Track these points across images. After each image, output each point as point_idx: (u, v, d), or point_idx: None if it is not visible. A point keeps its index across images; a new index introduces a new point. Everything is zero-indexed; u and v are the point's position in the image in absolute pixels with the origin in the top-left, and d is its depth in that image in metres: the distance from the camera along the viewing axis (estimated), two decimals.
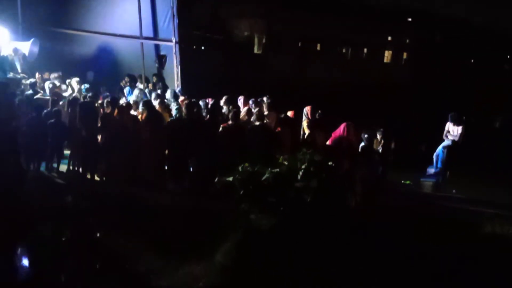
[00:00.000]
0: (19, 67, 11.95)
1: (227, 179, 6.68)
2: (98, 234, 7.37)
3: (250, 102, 10.62)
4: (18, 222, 7.29)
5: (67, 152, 10.00)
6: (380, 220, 7.36)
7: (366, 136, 9.54)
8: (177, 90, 11.18)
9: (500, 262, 6.34)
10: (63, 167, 9.84)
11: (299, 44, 44.59)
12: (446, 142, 11.48)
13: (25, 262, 6.71)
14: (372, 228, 6.83)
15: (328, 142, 9.20)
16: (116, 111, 9.42)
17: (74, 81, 11.16)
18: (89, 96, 10.04)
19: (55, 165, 9.82)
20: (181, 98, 10.70)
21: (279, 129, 9.60)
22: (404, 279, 5.92)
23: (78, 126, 9.34)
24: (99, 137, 9.49)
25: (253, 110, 10.21)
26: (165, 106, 9.95)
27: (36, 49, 12.26)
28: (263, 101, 10.47)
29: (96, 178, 9.55)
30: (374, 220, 7.21)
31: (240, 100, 10.82)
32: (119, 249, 6.75)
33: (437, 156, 11.58)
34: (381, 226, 7.07)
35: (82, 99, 10.05)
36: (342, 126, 9.15)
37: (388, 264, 6.13)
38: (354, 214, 6.83)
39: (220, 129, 9.12)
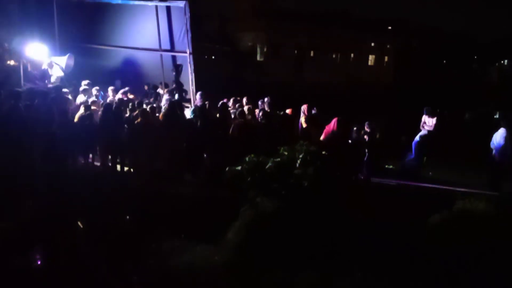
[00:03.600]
0: (53, 78, 11.99)
1: (236, 168, 6.68)
2: (127, 219, 7.40)
3: (259, 102, 10.63)
4: (58, 210, 7.34)
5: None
6: (368, 200, 7.35)
7: (355, 128, 9.55)
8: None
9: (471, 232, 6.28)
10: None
11: (295, 52, 44.38)
12: (423, 132, 11.45)
13: (66, 246, 6.74)
14: (362, 209, 6.82)
15: (322, 136, 9.17)
16: (141, 113, 9.40)
17: (110, 89, 11.29)
18: (116, 102, 10.03)
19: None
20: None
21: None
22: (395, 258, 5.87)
23: (109, 127, 9.34)
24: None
25: (258, 108, 10.22)
26: (180, 108, 9.91)
27: (71, 63, 12.28)
28: (265, 101, 10.46)
29: (125, 169, 9.59)
30: (363, 200, 7.20)
31: (245, 100, 10.83)
32: (146, 232, 6.78)
33: (415, 144, 11.55)
34: (369, 206, 7.06)
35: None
36: (334, 120, 9.13)
37: (377, 241, 6.09)
38: (345, 196, 6.79)
39: (232, 126, 9.11)
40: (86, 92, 10.80)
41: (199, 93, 10.93)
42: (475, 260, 5.60)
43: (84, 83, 11.19)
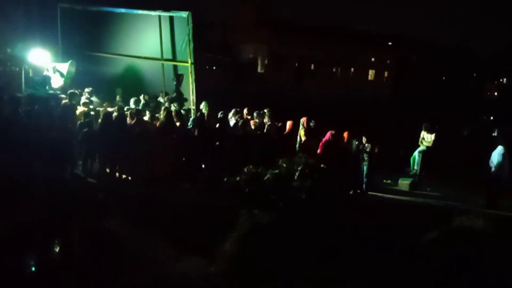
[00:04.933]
0: (55, 84, 12.00)
1: (235, 179, 6.67)
2: (124, 226, 7.32)
3: (255, 114, 10.62)
4: (56, 216, 7.29)
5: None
6: (366, 214, 7.32)
7: (355, 142, 9.56)
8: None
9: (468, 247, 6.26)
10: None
11: (296, 64, 44.62)
12: (421, 148, 11.46)
13: (62, 249, 6.69)
14: (358, 221, 6.78)
15: (319, 149, 9.18)
16: (137, 122, 9.40)
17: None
18: (117, 110, 10.02)
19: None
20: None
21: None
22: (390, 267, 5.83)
23: (108, 135, 9.31)
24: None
25: (256, 120, 10.22)
26: (180, 116, 9.87)
27: (73, 69, 12.30)
28: (265, 112, 10.46)
29: (123, 176, 9.55)
30: (361, 213, 7.17)
31: (245, 111, 10.84)
32: (142, 240, 6.74)
33: (414, 159, 11.55)
34: (366, 219, 7.02)
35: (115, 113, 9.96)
36: (328, 134, 9.17)
37: (373, 254, 6.05)
38: (343, 209, 6.76)
39: (233, 137, 9.09)
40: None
41: (204, 102, 10.92)
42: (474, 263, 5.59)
43: (87, 90, 11.20)
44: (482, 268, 5.54)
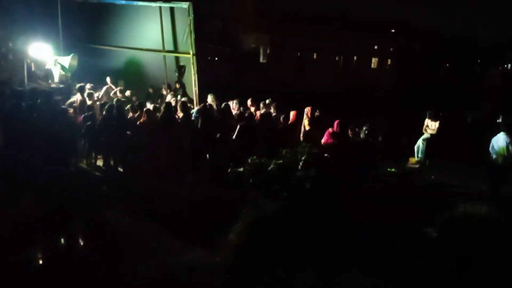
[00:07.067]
0: (57, 78, 12.03)
1: (238, 170, 6.68)
2: (128, 219, 7.36)
3: (261, 104, 10.60)
4: (59, 209, 7.34)
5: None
6: (370, 204, 7.31)
7: (363, 130, 9.50)
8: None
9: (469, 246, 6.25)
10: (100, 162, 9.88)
11: (298, 54, 44.39)
12: (425, 135, 11.43)
13: (65, 244, 6.74)
14: (363, 212, 6.78)
15: (324, 138, 9.14)
16: (143, 114, 9.39)
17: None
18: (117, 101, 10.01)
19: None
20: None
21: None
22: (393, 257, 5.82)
23: (111, 127, 9.32)
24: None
25: (260, 111, 10.20)
26: (183, 108, 9.87)
27: (75, 63, 12.30)
28: (270, 103, 10.44)
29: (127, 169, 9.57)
30: (365, 204, 7.16)
31: (248, 102, 10.83)
32: (146, 232, 6.77)
33: (418, 148, 11.54)
34: (371, 209, 7.02)
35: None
36: (335, 123, 9.11)
37: (376, 242, 6.05)
38: (347, 199, 6.76)
39: (238, 128, 9.09)
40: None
41: (212, 95, 10.92)
42: (475, 260, 5.57)
43: (88, 87, 11.21)
44: (482, 268, 5.52)
